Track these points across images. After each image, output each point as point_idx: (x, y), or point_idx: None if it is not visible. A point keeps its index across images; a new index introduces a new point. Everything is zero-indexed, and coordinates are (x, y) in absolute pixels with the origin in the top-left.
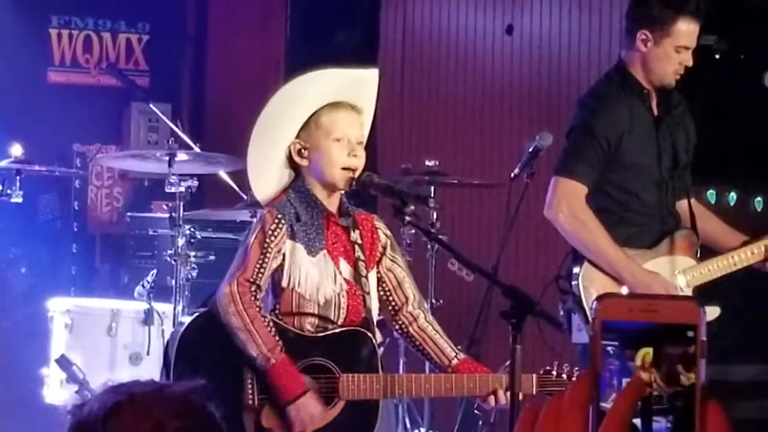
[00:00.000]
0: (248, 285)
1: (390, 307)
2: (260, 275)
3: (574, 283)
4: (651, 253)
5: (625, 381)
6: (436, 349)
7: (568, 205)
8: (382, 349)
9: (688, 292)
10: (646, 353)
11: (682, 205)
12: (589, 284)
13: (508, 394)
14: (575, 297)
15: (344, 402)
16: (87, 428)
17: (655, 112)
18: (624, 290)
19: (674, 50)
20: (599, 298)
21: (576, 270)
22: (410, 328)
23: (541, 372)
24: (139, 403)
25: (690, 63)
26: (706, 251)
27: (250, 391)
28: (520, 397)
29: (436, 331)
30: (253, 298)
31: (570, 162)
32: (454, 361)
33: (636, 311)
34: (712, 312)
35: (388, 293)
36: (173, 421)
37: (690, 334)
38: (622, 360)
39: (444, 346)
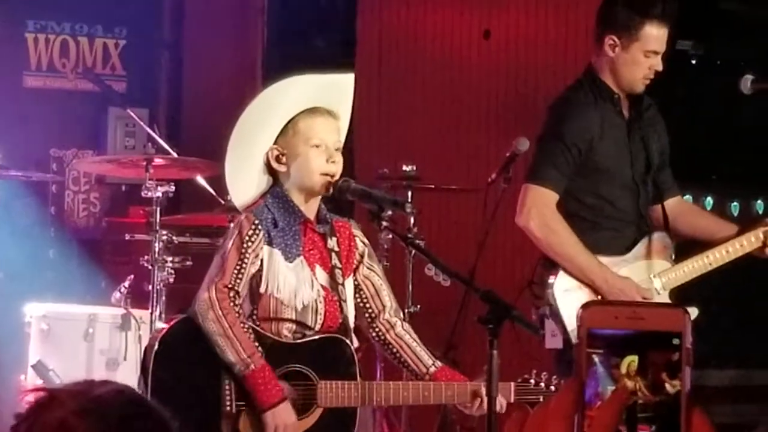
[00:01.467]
0: (227, 291)
1: (367, 315)
2: (238, 281)
3: (548, 291)
4: (625, 259)
5: (609, 389)
6: (413, 357)
7: (539, 212)
8: (359, 354)
9: (665, 295)
10: (631, 361)
11: (667, 206)
12: (564, 292)
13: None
14: (550, 305)
15: (322, 409)
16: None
17: (627, 116)
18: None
19: (643, 55)
20: (585, 306)
21: (551, 279)
22: (387, 336)
23: (519, 381)
24: (54, 400)
25: (660, 67)
26: (688, 250)
27: (227, 398)
28: (503, 403)
29: (414, 339)
30: (231, 304)
31: (540, 169)
32: (432, 369)
33: (621, 319)
34: (691, 312)
35: (365, 300)
36: (75, 418)
37: (675, 341)
38: (607, 367)
39: (421, 354)
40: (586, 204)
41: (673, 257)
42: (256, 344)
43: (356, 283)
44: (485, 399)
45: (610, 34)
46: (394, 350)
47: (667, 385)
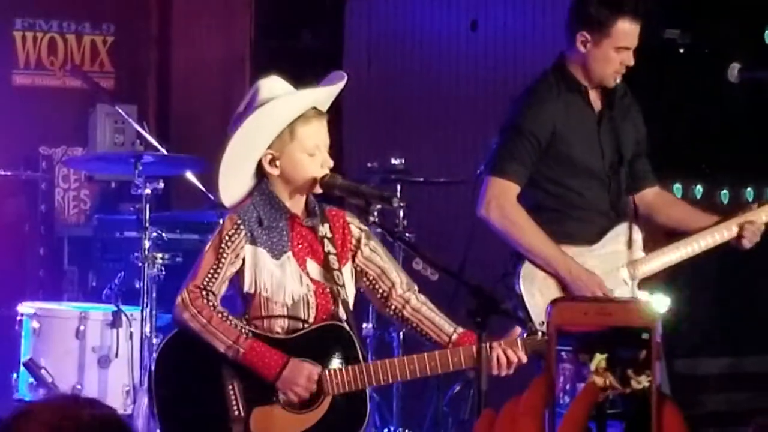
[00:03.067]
0: (198, 291)
1: (378, 295)
2: (213, 281)
3: (515, 281)
4: (592, 249)
5: (579, 386)
6: (433, 327)
7: (499, 204)
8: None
9: (633, 286)
10: (601, 358)
11: (645, 195)
12: (530, 283)
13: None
14: (518, 296)
15: (331, 397)
16: None
17: (597, 107)
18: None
19: (614, 51)
20: (554, 303)
21: (518, 269)
22: (404, 312)
23: (526, 335)
24: (30, 414)
25: (631, 62)
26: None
27: (234, 403)
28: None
29: (431, 309)
30: (204, 301)
31: (500, 160)
32: (454, 336)
33: (591, 315)
34: (662, 303)
35: (373, 282)
36: None
37: (645, 336)
38: (576, 364)
39: (441, 323)
40: (552, 194)
41: (643, 248)
42: (239, 327)
43: (359, 268)
44: (501, 357)
45: (581, 31)
46: (414, 324)
47: (633, 381)
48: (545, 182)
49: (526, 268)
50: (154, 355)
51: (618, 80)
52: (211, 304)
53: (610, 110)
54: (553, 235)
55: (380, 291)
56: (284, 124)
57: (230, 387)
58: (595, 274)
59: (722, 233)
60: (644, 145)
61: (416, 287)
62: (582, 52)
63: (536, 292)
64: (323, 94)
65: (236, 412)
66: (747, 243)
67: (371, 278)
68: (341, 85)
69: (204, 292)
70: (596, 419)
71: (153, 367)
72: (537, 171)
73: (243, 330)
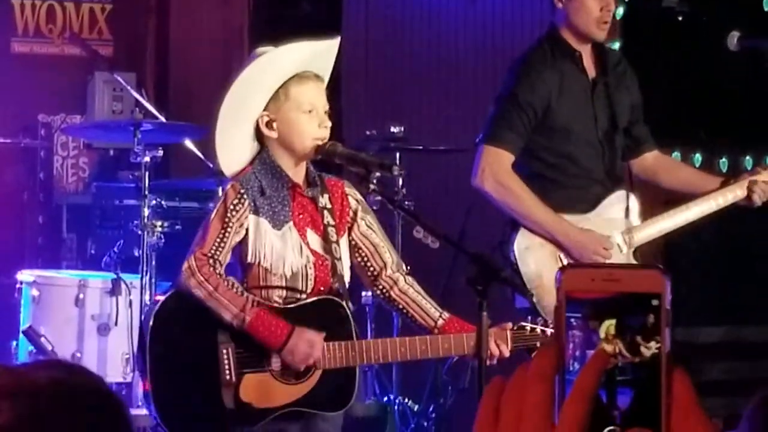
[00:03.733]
0: (205, 259)
1: (368, 273)
2: (219, 250)
3: (510, 250)
4: (588, 216)
5: (589, 352)
6: (420, 311)
7: (493, 172)
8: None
9: (629, 252)
10: (610, 324)
11: (645, 159)
12: (525, 251)
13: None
14: (513, 264)
15: (321, 371)
16: None
17: (592, 73)
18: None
19: None
20: (562, 269)
21: (512, 237)
22: (391, 293)
23: (515, 327)
24: None
25: (611, 7)
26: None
27: (227, 367)
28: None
29: (418, 293)
30: (211, 269)
31: (495, 129)
32: (440, 322)
33: (598, 281)
34: None
35: (365, 259)
36: (3, 401)
37: (655, 302)
38: (585, 331)
39: (427, 307)
40: (548, 163)
41: (640, 215)
42: (245, 295)
43: (354, 242)
44: (493, 349)
45: None
46: (400, 306)
47: (642, 348)
48: (540, 151)
49: (521, 237)
50: (152, 315)
51: (604, 36)
52: (217, 272)
53: (604, 77)
54: (548, 203)
55: (371, 269)
56: (276, 81)
57: (224, 351)
58: (592, 231)
59: (726, 196)
60: (640, 112)
61: (405, 268)
62: (560, 8)
63: (531, 261)
64: (309, 49)
65: (228, 377)
66: (758, 199)
67: (364, 255)
68: (331, 43)
69: (211, 261)
70: (606, 386)
71: (149, 327)
72: (532, 140)
73: (249, 298)
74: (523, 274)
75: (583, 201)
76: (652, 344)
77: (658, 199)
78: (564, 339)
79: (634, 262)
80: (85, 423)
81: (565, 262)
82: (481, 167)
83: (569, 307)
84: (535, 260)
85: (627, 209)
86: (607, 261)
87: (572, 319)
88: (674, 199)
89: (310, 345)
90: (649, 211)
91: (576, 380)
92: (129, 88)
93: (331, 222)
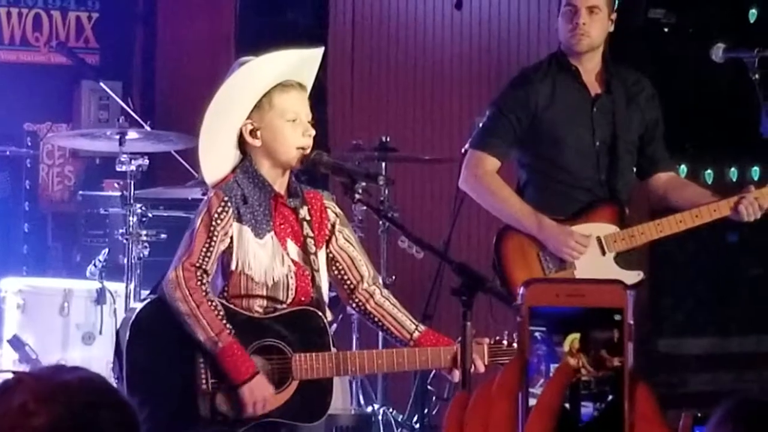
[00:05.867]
0: (194, 270)
1: (345, 286)
2: (206, 259)
3: (495, 260)
4: (570, 221)
5: (553, 367)
6: (395, 323)
7: (473, 173)
8: (334, 326)
9: (609, 257)
10: (574, 338)
11: (659, 178)
12: (505, 251)
13: (475, 361)
14: (500, 275)
15: (297, 382)
16: None
17: (597, 89)
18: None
19: (563, 14)
20: (526, 284)
21: (498, 247)
22: (367, 306)
23: (492, 342)
24: (20, 384)
25: (582, 20)
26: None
27: (203, 376)
28: (478, 366)
29: (394, 306)
30: (198, 283)
31: (479, 135)
32: (416, 334)
33: (562, 296)
34: (633, 277)
35: (342, 272)
36: (35, 404)
37: (617, 317)
38: (550, 345)
39: (403, 319)
40: (536, 169)
41: (624, 225)
42: (224, 322)
43: (331, 255)
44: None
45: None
46: (376, 319)
47: (608, 362)
48: (532, 159)
49: (499, 237)
50: (130, 321)
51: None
52: (204, 288)
53: (609, 93)
54: (537, 208)
55: (348, 282)
56: (260, 90)
57: (201, 360)
58: (565, 226)
59: (711, 212)
60: (657, 131)
61: (381, 282)
62: (556, 27)
63: (510, 263)
64: (292, 58)
65: (204, 386)
66: (743, 210)
67: (341, 268)
68: (314, 52)
69: (199, 272)
70: (570, 400)
71: (127, 333)
72: (524, 149)
73: (227, 326)
74: (511, 286)
75: (568, 207)
76: (616, 359)
77: (643, 210)
78: (528, 353)
79: (616, 267)
80: (110, 417)
81: (547, 269)
82: (463, 169)
83: (534, 321)
84: (521, 270)
85: (608, 216)
86: (582, 259)
87: (537, 333)
88: (659, 211)
89: (262, 397)
90: (636, 223)
91: (540, 395)
92: (115, 96)
93: (310, 234)
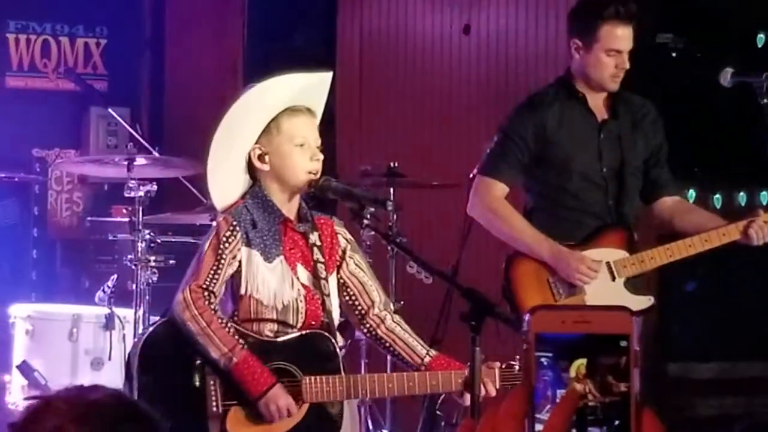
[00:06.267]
0: (201, 291)
1: (356, 312)
2: (214, 282)
3: (505, 285)
4: (579, 247)
5: (560, 392)
6: (406, 348)
7: (481, 200)
8: (344, 351)
9: (619, 282)
10: (580, 364)
11: (664, 202)
12: (515, 275)
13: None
14: (506, 293)
15: (308, 405)
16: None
17: (603, 115)
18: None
19: (605, 55)
20: (532, 311)
21: (508, 273)
22: (378, 331)
23: (504, 366)
24: (49, 407)
25: (626, 66)
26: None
27: (213, 398)
28: (489, 390)
29: (405, 331)
30: (206, 303)
31: (487, 161)
32: (427, 359)
33: (569, 323)
34: (644, 302)
35: (353, 298)
36: (71, 425)
37: (623, 343)
38: (556, 371)
39: (414, 344)
40: (545, 195)
41: (634, 250)
42: (237, 337)
43: (342, 280)
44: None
45: (573, 39)
46: (387, 344)
47: (614, 388)
48: (540, 185)
49: (514, 267)
50: (140, 344)
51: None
52: (212, 306)
53: (616, 119)
54: (546, 234)
55: (358, 308)
56: (267, 115)
57: (212, 383)
58: (576, 252)
59: (721, 236)
60: (661, 156)
61: (392, 307)
62: (578, 59)
63: (519, 288)
64: (299, 82)
65: (214, 409)
66: (754, 234)
67: (352, 294)
68: (322, 76)
69: (206, 293)
70: (577, 426)
71: (137, 356)
72: (532, 175)
73: (239, 340)
74: (516, 300)
75: (577, 233)
76: (623, 385)
77: (649, 234)
78: (534, 379)
79: (626, 292)
80: (139, 429)
81: (558, 295)
82: (471, 196)
83: (540, 347)
84: (532, 296)
85: (618, 241)
86: (592, 284)
87: (543, 359)
88: (666, 235)
89: (283, 406)
90: (644, 248)
91: (547, 421)
92: (123, 122)
93: (321, 259)
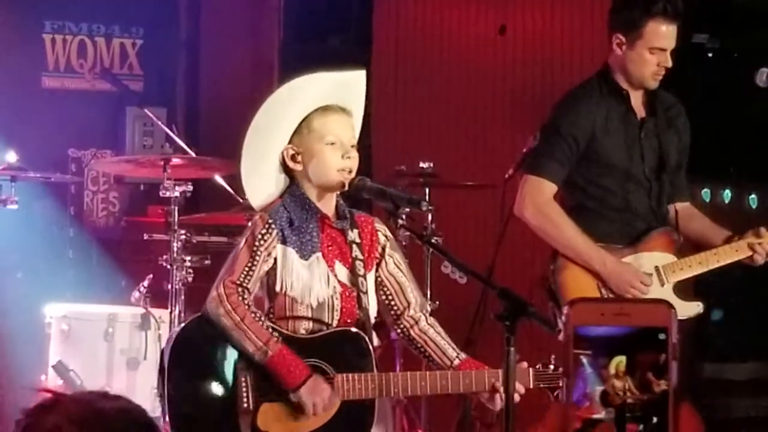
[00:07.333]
0: (234, 287)
1: (392, 312)
2: (248, 278)
3: (551, 279)
4: (628, 250)
5: (598, 389)
6: (437, 350)
7: (533, 201)
8: (378, 351)
9: (668, 287)
10: (619, 362)
11: (674, 208)
12: (564, 280)
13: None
14: (552, 293)
15: (340, 402)
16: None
17: (642, 113)
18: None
19: (648, 52)
20: (571, 303)
21: (552, 266)
22: (411, 332)
23: (538, 367)
24: (57, 404)
25: (668, 64)
26: (692, 251)
27: (244, 395)
28: (521, 390)
29: (438, 333)
30: (240, 298)
31: (538, 160)
32: (456, 362)
33: (608, 315)
34: (693, 308)
35: (390, 298)
36: (70, 426)
37: (661, 336)
38: (595, 368)
39: (445, 347)
40: (590, 195)
41: (679, 254)
42: (271, 331)
43: (380, 279)
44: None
45: (616, 33)
46: (419, 345)
47: (654, 385)
48: (584, 183)
49: (560, 264)
50: (173, 340)
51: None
52: (246, 302)
53: (654, 117)
54: (590, 234)
55: (394, 308)
56: (298, 114)
57: (243, 379)
58: (630, 265)
59: (735, 249)
60: (683, 158)
61: (428, 308)
62: (619, 54)
63: (570, 289)
64: (329, 81)
65: (245, 405)
66: (760, 259)
67: (389, 293)
68: (354, 74)
69: (240, 289)
70: (616, 422)
71: (170, 348)
72: (576, 172)
73: (274, 333)
74: (561, 301)
75: (624, 235)
76: (663, 381)
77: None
78: (573, 376)
79: (676, 298)
80: None
81: (604, 293)
82: (522, 196)
83: (579, 344)
84: (577, 286)
85: (666, 244)
86: (644, 296)
87: (582, 357)
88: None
89: (321, 396)
90: (689, 251)
91: None
92: (159, 122)
93: (360, 256)
